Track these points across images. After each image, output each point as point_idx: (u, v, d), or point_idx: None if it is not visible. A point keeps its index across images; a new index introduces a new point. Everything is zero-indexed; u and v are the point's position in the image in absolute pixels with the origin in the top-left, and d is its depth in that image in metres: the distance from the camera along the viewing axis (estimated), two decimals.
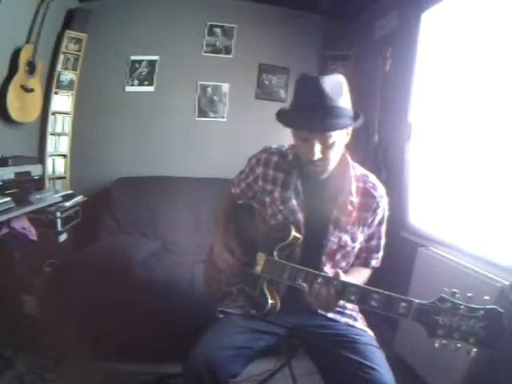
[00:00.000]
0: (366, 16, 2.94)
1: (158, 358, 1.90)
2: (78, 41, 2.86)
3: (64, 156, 2.96)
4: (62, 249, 2.50)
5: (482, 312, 0.83)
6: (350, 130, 1.15)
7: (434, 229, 2.05)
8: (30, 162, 2.46)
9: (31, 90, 2.49)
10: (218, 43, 3.16)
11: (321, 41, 3.23)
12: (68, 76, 2.88)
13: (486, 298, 0.87)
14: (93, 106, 3.03)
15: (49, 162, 2.87)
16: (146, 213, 2.77)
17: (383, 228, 1.29)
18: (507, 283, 1.47)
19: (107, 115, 3.10)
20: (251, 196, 1.40)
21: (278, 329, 1.24)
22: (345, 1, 2.93)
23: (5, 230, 2.06)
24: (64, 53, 2.82)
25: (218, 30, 3.15)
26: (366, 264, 1.31)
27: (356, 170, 1.27)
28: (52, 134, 2.88)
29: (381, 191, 1.26)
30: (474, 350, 0.82)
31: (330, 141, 1.10)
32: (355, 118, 1.13)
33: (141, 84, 3.11)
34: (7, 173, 2.15)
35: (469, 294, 0.87)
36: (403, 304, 0.93)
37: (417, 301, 0.91)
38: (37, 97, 2.58)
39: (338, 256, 1.24)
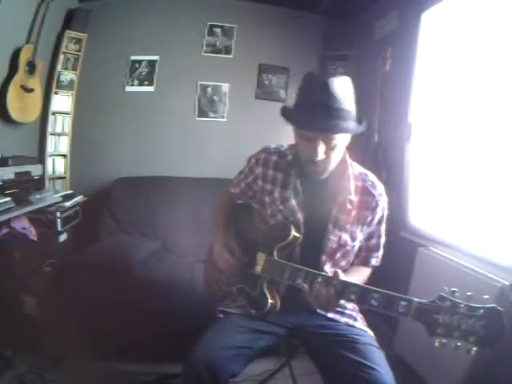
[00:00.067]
0: (366, 16, 2.94)
1: (158, 358, 1.90)
2: (78, 41, 2.86)
3: (64, 156, 2.96)
4: (62, 249, 2.50)
5: (482, 311, 0.83)
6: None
7: (434, 229, 2.05)
8: (30, 161, 2.46)
9: (31, 90, 2.49)
10: (218, 43, 3.16)
11: (321, 41, 3.23)
12: (68, 76, 2.88)
13: (486, 296, 0.87)
14: (93, 105, 3.03)
15: (49, 162, 2.87)
16: (146, 213, 2.77)
17: (383, 227, 1.30)
18: (507, 283, 1.47)
19: (107, 115, 3.10)
20: (251, 196, 1.40)
21: (277, 329, 1.24)
22: (345, 1, 2.93)
23: (5, 230, 2.06)
24: (64, 53, 2.82)
25: (217, 30, 3.15)
26: (365, 263, 1.31)
27: (355, 168, 1.27)
28: (52, 134, 2.88)
29: (380, 189, 1.26)
30: (474, 348, 0.82)
31: (334, 142, 1.11)
32: (359, 121, 1.14)
33: (141, 84, 3.11)
34: (7, 173, 2.15)
35: (468, 293, 0.87)
36: (403, 303, 0.93)
37: (417, 300, 0.92)
38: (37, 97, 2.58)
39: (338, 255, 1.24)
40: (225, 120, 3.23)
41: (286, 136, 1.30)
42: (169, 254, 2.54)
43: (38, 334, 1.88)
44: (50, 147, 2.87)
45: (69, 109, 2.93)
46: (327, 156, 1.12)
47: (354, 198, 1.21)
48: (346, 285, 1.03)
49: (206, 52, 3.16)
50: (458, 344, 0.84)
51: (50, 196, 2.43)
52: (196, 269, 2.06)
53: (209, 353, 1.08)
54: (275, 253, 1.20)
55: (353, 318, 1.26)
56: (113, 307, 1.89)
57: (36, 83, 2.54)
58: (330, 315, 1.24)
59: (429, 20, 2.19)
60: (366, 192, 1.24)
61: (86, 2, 2.95)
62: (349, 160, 1.25)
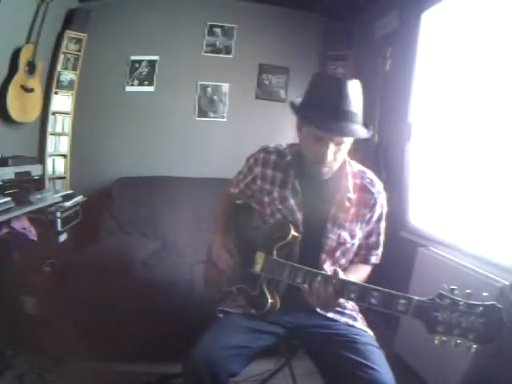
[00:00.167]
0: (366, 16, 2.94)
1: (157, 358, 1.89)
2: (78, 41, 2.86)
3: (64, 156, 2.96)
4: (62, 249, 2.51)
5: (482, 308, 0.83)
6: None
7: (434, 229, 2.05)
8: (30, 161, 2.46)
9: (31, 90, 2.49)
10: (218, 43, 3.16)
11: (321, 41, 3.23)
12: (68, 76, 2.88)
13: (485, 294, 0.87)
14: (93, 106, 3.04)
15: (49, 162, 2.87)
16: (146, 213, 2.77)
17: (382, 224, 1.30)
18: (507, 283, 1.47)
19: (107, 115, 3.10)
20: (250, 196, 1.40)
21: (277, 329, 1.24)
22: (345, 1, 2.93)
23: (5, 230, 2.06)
24: (64, 53, 2.82)
25: (217, 30, 3.15)
26: (365, 261, 1.31)
27: (353, 166, 1.27)
28: (52, 134, 2.88)
29: (378, 187, 1.26)
30: (474, 346, 0.82)
31: (344, 144, 1.12)
32: (364, 125, 1.14)
33: (141, 84, 3.11)
34: (7, 173, 2.15)
35: (467, 291, 0.87)
36: (402, 301, 0.93)
37: (416, 298, 0.92)
38: (37, 97, 2.58)
39: (338, 253, 1.25)
40: (225, 120, 3.23)
41: (285, 136, 1.31)
42: (169, 254, 2.54)
43: (38, 334, 1.88)
44: (49, 147, 2.87)
45: (69, 109, 2.93)
46: (335, 157, 1.13)
47: (352, 195, 1.22)
48: (346, 283, 1.03)
49: (206, 52, 3.16)
50: (458, 342, 0.85)
51: (50, 196, 2.43)
52: (196, 269, 2.05)
53: (209, 352, 1.08)
54: (274, 252, 1.20)
55: (353, 318, 1.26)
56: (113, 307, 1.89)
57: (36, 83, 2.54)
58: (330, 315, 1.24)
59: (429, 20, 2.19)
60: (364, 190, 1.24)
61: (85, 2, 2.95)
62: (347, 158, 1.26)
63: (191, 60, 3.14)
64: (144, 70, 3.09)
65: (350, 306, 1.30)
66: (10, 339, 1.89)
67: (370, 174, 1.29)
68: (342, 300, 1.07)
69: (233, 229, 1.44)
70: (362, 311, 1.32)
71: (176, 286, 2.05)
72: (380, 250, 1.32)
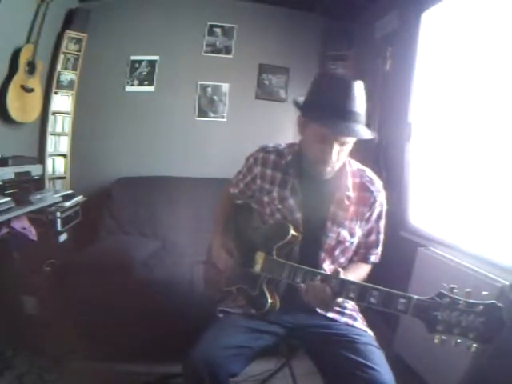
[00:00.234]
0: (366, 16, 2.94)
1: (157, 358, 1.89)
2: (78, 41, 2.86)
3: (64, 156, 2.96)
4: (62, 249, 2.51)
5: (482, 307, 0.83)
6: None
7: (434, 229, 2.05)
8: (30, 161, 2.46)
9: (31, 90, 2.49)
10: (218, 43, 3.16)
11: (321, 41, 3.23)
12: (68, 76, 2.88)
13: (485, 293, 0.87)
14: (93, 106, 3.03)
15: (49, 162, 2.87)
16: (146, 213, 2.77)
17: (382, 223, 1.30)
18: (507, 283, 1.47)
19: (107, 115, 3.10)
20: (250, 195, 1.40)
21: (277, 328, 1.24)
22: (345, 1, 2.93)
23: (5, 230, 2.06)
24: (64, 53, 2.82)
25: (217, 30, 3.15)
26: (365, 260, 1.31)
27: (352, 165, 1.27)
28: (52, 134, 2.88)
29: (378, 185, 1.26)
30: (474, 345, 0.82)
31: (348, 145, 1.13)
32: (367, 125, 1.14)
33: (141, 84, 3.11)
34: (7, 173, 2.15)
35: (467, 290, 0.87)
36: (402, 300, 0.93)
37: (416, 297, 0.92)
38: (37, 97, 2.58)
39: (337, 252, 1.25)
40: (225, 120, 3.23)
41: (285, 136, 1.31)
42: (169, 254, 2.54)
43: (38, 334, 1.88)
44: (50, 147, 2.87)
45: (69, 109, 2.93)
46: (338, 157, 1.13)
47: (351, 194, 1.22)
48: (345, 283, 1.03)
49: (206, 52, 3.16)
50: (458, 341, 0.84)
51: (50, 196, 2.43)
52: (196, 269, 2.05)
53: (209, 352, 1.08)
54: (274, 252, 1.20)
55: (352, 318, 1.26)
56: (113, 307, 1.89)
57: (36, 83, 2.54)
58: (330, 315, 1.24)
59: (429, 20, 2.19)
60: (363, 188, 1.24)
61: (86, 2, 2.94)
62: (347, 157, 1.25)
63: (191, 60, 3.14)
64: (144, 70, 3.09)
65: (350, 305, 1.30)
66: (10, 339, 1.89)
67: (369, 172, 1.29)
68: (341, 300, 1.08)
69: (233, 229, 1.44)
70: (362, 311, 1.32)
71: (176, 285, 2.05)
72: (379, 249, 1.32)
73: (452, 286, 0.88)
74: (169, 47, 3.09)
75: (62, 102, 2.89)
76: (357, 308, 1.32)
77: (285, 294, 1.23)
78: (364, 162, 1.33)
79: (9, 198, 1.98)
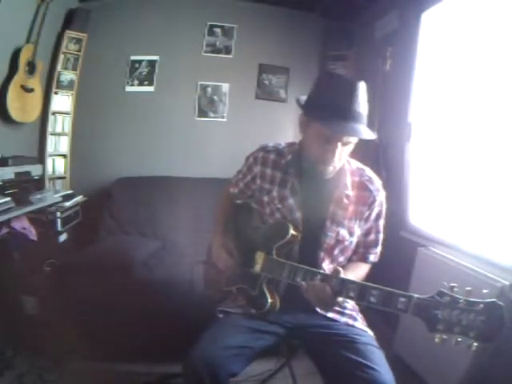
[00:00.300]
0: (366, 16, 2.94)
1: (157, 358, 1.89)
2: (78, 41, 2.86)
3: (64, 156, 2.96)
4: (62, 249, 2.50)
5: (482, 305, 0.83)
6: None
7: (434, 229, 2.05)
8: (30, 162, 2.46)
9: (31, 90, 2.49)
10: (218, 43, 3.16)
11: (321, 41, 3.23)
12: (68, 76, 2.88)
13: (485, 291, 0.87)
14: (93, 106, 3.03)
15: (49, 162, 2.87)
16: (146, 213, 2.77)
17: (381, 222, 1.30)
18: (507, 283, 1.47)
19: (107, 115, 3.10)
20: (250, 195, 1.40)
21: (278, 328, 1.24)
22: (345, 1, 2.93)
23: (5, 230, 2.06)
24: (64, 53, 2.82)
25: (217, 30, 3.15)
26: (364, 259, 1.31)
27: (351, 164, 1.27)
28: (52, 134, 2.88)
29: (377, 184, 1.26)
30: (475, 344, 0.82)
31: (351, 145, 1.13)
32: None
33: (141, 84, 3.11)
34: (7, 173, 2.15)
35: (467, 288, 0.87)
36: (402, 299, 0.93)
37: (416, 295, 0.92)
38: (37, 97, 2.58)
39: (336, 251, 1.25)
40: (225, 120, 3.23)
41: (285, 136, 1.30)
42: (169, 254, 2.54)
43: (38, 334, 1.88)
44: (50, 147, 2.87)
45: (69, 109, 2.93)
46: (340, 157, 1.13)
47: (350, 192, 1.22)
48: (345, 282, 1.03)
49: (206, 52, 3.16)
50: (459, 340, 0.84)
51: (50, 196, 2.43)
52: (196, 269, 2.05)
53: (209, 353, 1.08)
54: (274, 251, 1.20)
55: (353, 318, 1.26)
56: (113, 307, 1.89)
57: (36, 83, 2.54)
58: (330, 315, 1.24)
59: (429, 20, 2.19)
60: (363, 187, 1.24)
61: (86, 2, 2.94)
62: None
63: (191, 60, 3.14)
64: (144, 70, 3.09)
65: (350, 305, 1.30)
66: (10, 339, 1.89)
67: (368, 171, 1.29)
68: (341, 299, 1.07)
69: (232, 229, 1.44)
70: (362, 311, 1.32)
71: (176, 285, 2.05)
72: (379, 249, 1.32)
73: (452, 284, 0.88)
74: (169, 47, 3.09)
75: (62, 102, 2.89)
76: (357, 308, 1.32)
77: (285, 293, 1.23)
78: (364, 161, 1.33)
79: (9, 198, 1.98)
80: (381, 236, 1.31)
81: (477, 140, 1.82)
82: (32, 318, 2.07)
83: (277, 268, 1.18)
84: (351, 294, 1.02)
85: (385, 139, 2.47)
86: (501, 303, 0.82)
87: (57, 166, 2.93)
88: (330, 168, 1.15)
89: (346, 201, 1.22)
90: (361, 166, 1.30)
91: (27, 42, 2.45)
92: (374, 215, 1.26)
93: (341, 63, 3.11)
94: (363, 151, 1.33)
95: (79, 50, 2.88)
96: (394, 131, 2.41)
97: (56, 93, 2.84)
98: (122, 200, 2.79)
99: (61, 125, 2.91)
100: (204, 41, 3.14)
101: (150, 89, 3.11)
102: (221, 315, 1.28)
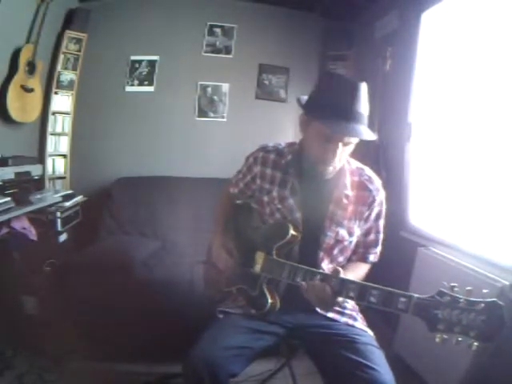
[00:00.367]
0: (366, 16, 2.94)
1: (158, 358, 1.89)
2: (78, 41, 2.86)
3: (64, 156, 2.96)
4: (62, 249, 2.50)
5: (482, 305, 0.83)
6: None
7: (434, 229, 2.05)
8: (30, 161, 2.46)
9: (31, 90, 2.49)
10: (218, 43, 3.16)
11: (321, 41, 3.23)
12: (68, 76, 2.88)
13: (485, 290, 0.86)
14: (93, 106, 3.03)
15: (49, 162, 2.87)
16: (146, 213, 2.77)
17: (381, 222, 1.29)
18: (507, 283, 1.47)
19: (107, 115, 3.10)
20: (250, 195, 1.40)
21: (278, 329, 1.24)
22: (345, 1, 2.93)
23: (5, 230, 2.06)
24: (64, 53, 2.82)
25: (217, 30, 3.15)
26: (363, 259, 1.31)
27: (351, 164, 1.27)
28: (52, 134, 2.88)
29: (377, 184, 1.26)
30: (475, 343, 0.82)
31: (351, 145, 1.13)
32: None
33: (141, 84, 3.11)
34: (7, 173, 2.15)
35: (467, 288, 0.87)
36: (402, 299, 0.93)
37: (416, 295, 0.92)
38: (37, 97, 2.58)
39: (336, 251, 1.25)
40: (225, 120, 3.23)
41: (285, 136, 1.30)
42: (169, 254, 2.54)
43: (38, 334, 1.88)
44: (50, 147, 2.87)
45: (69, 109, 2.93)
46: (340, 157, 1.13)
47: (349, 192, 1.22)
48: (345, 282, 1.03)
49: (206, 52, 3.16)
50: (459, 339, 0.84)
51: (50, 196, 2.43)
52: (196, 269, 2.05)
53: (209, 353, 1.08)
54: (274, 252, 1.20)
55: (353, 318, 1.26)
56: (113, 307, 1.89)
57: (36, 83, 2.54)
58: (330, 315, 1.24)
59: (429, 20, 2.19)
60: (362, 187, 1.24)
61: (86, 2, 2.94)
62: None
63: (191, 60, 3.14)
64: (144, 70, 3.09)
65: (350, 305, 1.30)
66: (10, 339, 1.89)
67: (368, 171, 1.29)
68: (341, 299, 1.07)
69: (232, 229, 1.44)
70: (362, 311, 1.32)
71: (176, 285, 2.05)
72: (378, 249, 1.32)
73: (452, 284, 0.88)
74: (169, 47, 3.09)
75: (62, 102, 2.89)
76: (357, 308, 1.32)
77: (285, 294, 1.23)
78: (364, 161, 1.33)
79: (9, 198, 1.98)
80: (381, 236, 1.31)
81: (477, 140, 1.82)
82: (32, 318, 2.07)
83: (277, 268, 1.18)
84: (351, 294, 1.02)
85: (385, 139, 2.47)
86: (501, 303, 0.81)
87: (57, 166, 2.93)
88: (330, 168, 1.15)
89: (345, 201, 1.22)
90: (360, 165, 1.29)
91: (27, 42, 2.45)
92: (373, 215, 1.26)
93: (341, 63, 3.11)
94: (363, 151, 1.33)
95: (79, 50, 2.88)
96: (394, 131, 2.41)
97: (56, 93, 2.84)
98: (122, 200, 2.79)
99: (61, 125, 2.91)
100: (204, 41, 3.14)
101: (150, 89, 3.11)
102: (221, 315, 1.27)
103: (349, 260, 1.31)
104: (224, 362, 1.07)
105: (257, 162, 1.31)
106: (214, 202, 1.59)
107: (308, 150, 1.19)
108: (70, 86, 2.89)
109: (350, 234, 1.24)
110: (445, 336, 0.86)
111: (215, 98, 3.20)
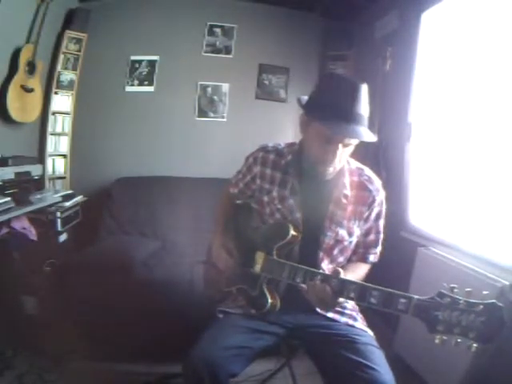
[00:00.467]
0: (366, 16, 2.94)
1: (158, 358, 1.90)
2: (78, 41, 2.86)
3: (64, 156, 2.96)
4: (62, 249, 2.50)
5: (482, 306, 0.83)
6: None
7: (434, 229, 2.05)
8: (30, 161, 2.46)
9: (31, 90, 2.49)
10: (218, 43, 3.16)
11: (321, 41, 3.23)
12: (68, 76, 2.88)
13: (485, 292, 0.87)
14: (93, 106, 3.04)
15: (49, 162, 2.87)
16: (146, 213, 2.77)
17: (381, 222, 1.29)
18: (507, 283, 1.47)
19: (107, 115, 3.10)
20: (250, 195, 1.40)
21: (278, 329, 1.23)
22: (345, 1, 2.93)
23: (5, 230, 2.06)
24: (64, 53, 2.82)
25: (217, 30, 3.15)
26: (363, 259, 1.31)
27: (351, 164, 1.27)
28: (52, 134, 2.88)
29: (377, 184, 1.26)
30: (475, 345, 0.82)
31: (351, 146, 1.13)
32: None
33: (141, 84, 3.11)
34: (7, 173, 2.14)
35: (467, 289, 0.87)
36: (402, 300, 0.93)
37: (416, 296, 0.92)
38: (37, 97, 2.58)
39: (336, 251, 1.25)
40: (225, 120, 3.23)
41: (285, 136, 1.30)
42: (169, 254, 2.54)
43: (38, 334, 1.88)
44: (50, 147, 2.87)
45: (69, 109, 2.93)
46: (340, 158, 1.13)
47: (349, 192, 1.22)
48: (345, 283, 1.03)
49: (206, 52, 3.16)
50: (459, 340, 0.84)
51: (50, 196, 2.43)
52: (196, 269, 2.05)
53: (209, 353, 1.08)
54: (274, 252, 1.20)
55: (353, 318, 1.26)
56: (113, 307, 1.89)
57: (36, 83, 2.54)
58: (330, 315, 1.24)
59: (429, 20, 2.19)
60: (362, 187, 1.24)
61: (86, 2, 2.94)
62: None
63: (191, 60, 3.14)
64: (144, 70, 3.09)
65: (350, 306, 1.30)
66: (10, 339, 1.89)
67: (368, 171, 1.29)
68: (341, 299, 1.07)
69: (232, 229, 1.44)
70: (362, 311, 1.32)
71: (176, 285, 2.05)
72: (378, 249, 1.32)
73: (452, 285, 0.88)
74: (169, 47, 3.09)
75: (62, 102, 2.89)
76: (357, 308, 1.32)
77: (285, 294, 1.23)
78: (364, 161, 1.33)
79: (9, 198, 1.98)
80: (381, 236, 1.31)
81: (477, 140, 1.82)
82: (32, 318, 2.07)
83: (277, 268, 1.18)
84: (351, 295, 1.02)
85: (385, 139, 2.47)
86: (501, 304, 0.82)
87: (57, 166, 2.93)
88: (330, 169, 1.15)
89: (344, 201, 1.21)
90: (360, 165, 1.29)
91: (27, 41, 2.45)
92: (373, 215, 1.26)
93: (341, 63, 3.11)
94: (363, 151, 1.33)
95: (79, 50, 2.88)
96: (394, 131, 2.41)
97: (56, 93, 2.84)
98: (122, 200, 2.79)
99: (61, 125, 2.91)
100: (204, 41, 3.14)
101: (150, 89, 3.11)
102: (221, 315, 1.27)
103: (349, 260, 1.31)
104: (224, 362, 1.07)
105: (256, 162, 1.31)
106: (214, 202, 1.59)
107: (308, 150, 1.19)
108: (69, 85, 2.90)
109: (350, 234, 1.24)
110: (444, 337, 0.86)
111: (215, 98, 3.20)
